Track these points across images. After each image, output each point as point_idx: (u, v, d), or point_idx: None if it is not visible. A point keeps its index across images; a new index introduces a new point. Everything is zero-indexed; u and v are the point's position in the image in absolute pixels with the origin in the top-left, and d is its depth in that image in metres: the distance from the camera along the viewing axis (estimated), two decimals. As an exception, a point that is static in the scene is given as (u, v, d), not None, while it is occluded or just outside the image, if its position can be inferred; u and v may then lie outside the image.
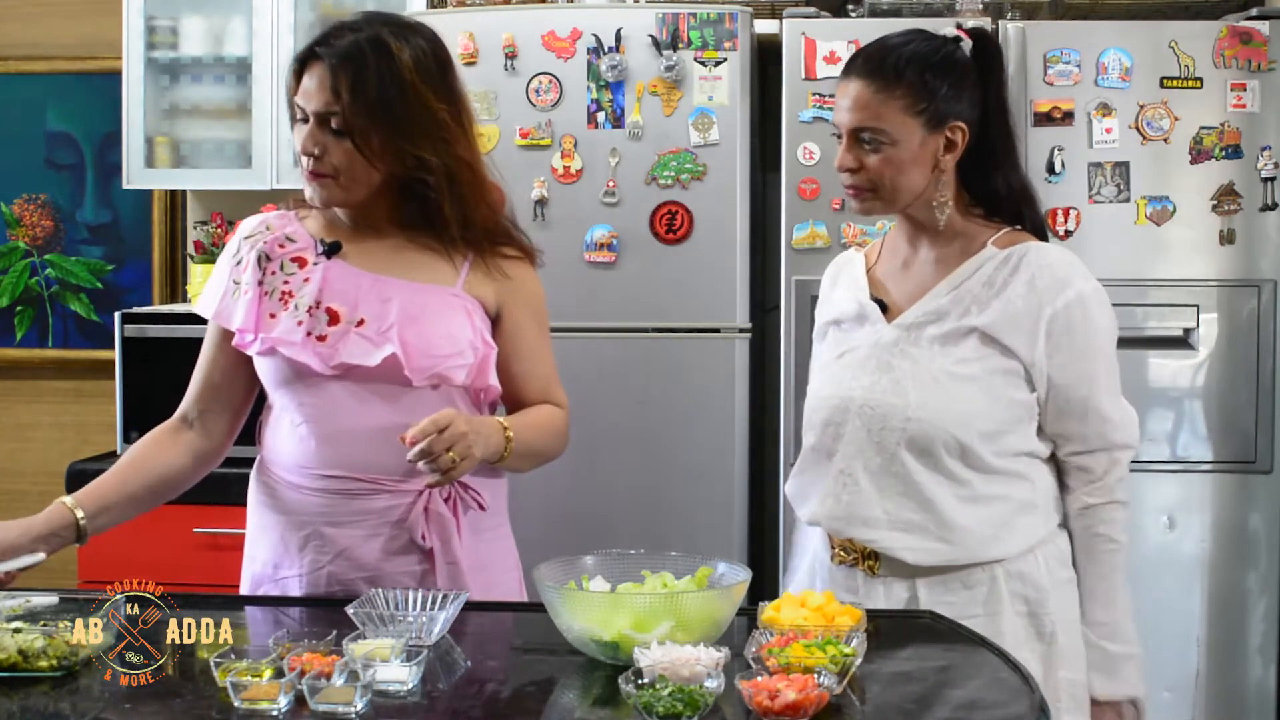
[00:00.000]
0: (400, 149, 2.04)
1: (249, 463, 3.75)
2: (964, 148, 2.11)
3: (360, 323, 2.06)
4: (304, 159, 2.06)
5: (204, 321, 3.63)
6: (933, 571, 2.10)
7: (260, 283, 2.10)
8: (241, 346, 2.11)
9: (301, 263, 2.11)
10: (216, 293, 2.14)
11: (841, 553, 2.15)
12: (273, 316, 2.08)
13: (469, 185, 2.10)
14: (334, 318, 2.07)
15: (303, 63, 2.06)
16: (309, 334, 2.06)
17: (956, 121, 2.09)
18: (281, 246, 2.13)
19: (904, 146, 2.07)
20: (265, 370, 2.12)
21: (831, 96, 2.31)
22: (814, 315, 2.32)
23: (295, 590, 2.10)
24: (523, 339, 2.17)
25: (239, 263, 2.13)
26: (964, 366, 2.08)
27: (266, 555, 2.15)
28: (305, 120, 2.05)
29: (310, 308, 2.07)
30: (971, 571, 2.09)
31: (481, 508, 2.13)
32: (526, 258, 2.18)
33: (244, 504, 3.58)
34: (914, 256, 2.19)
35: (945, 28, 2.18)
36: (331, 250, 2.11)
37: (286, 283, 2.10)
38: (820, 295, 2.31)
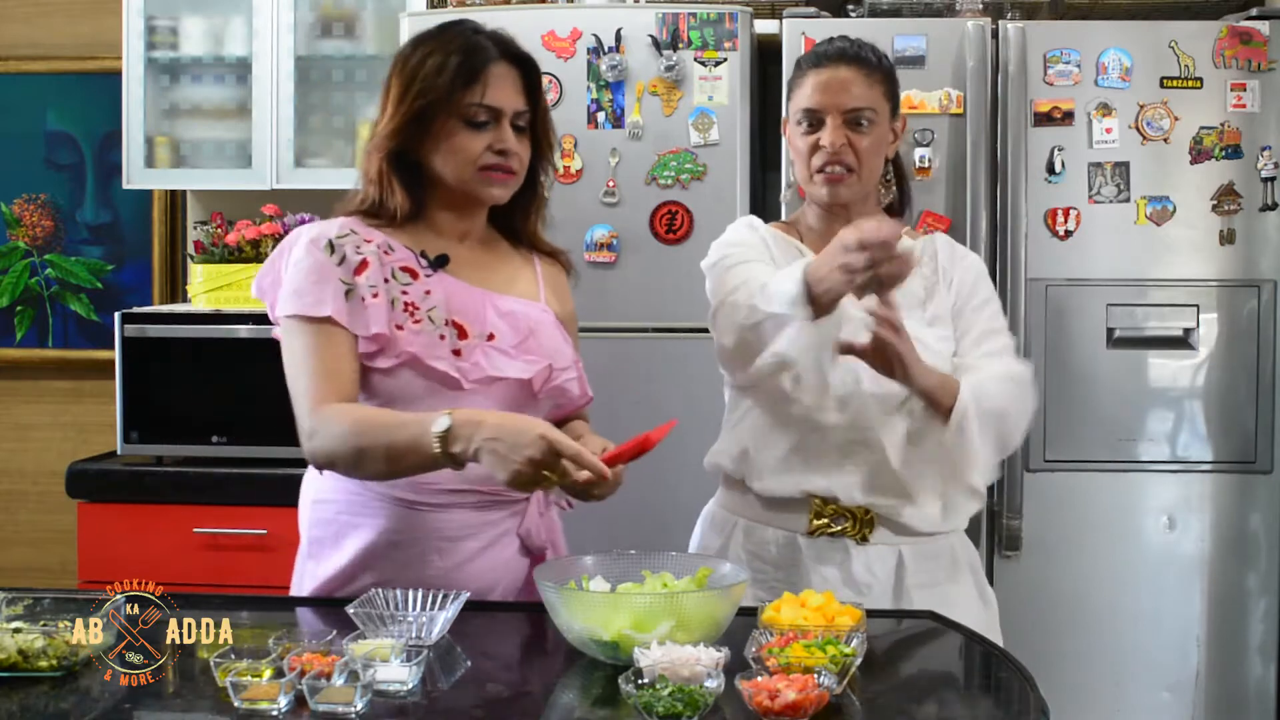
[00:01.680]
0: (547, 153, 2.16)
1: (247, 462, 3.75)
2: (898, 143, 2.31)
3: (490, 337, 2.07)
4: (490, 158, 2.05)
5: (203, 321, 3.65)
6: (917, 539, 2.23)
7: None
8: (369, 358, 2.02)
9: (413, 274, 2.06)
10: (319, 291, 2.00)
11: (828, 522, 2.19)
12: (400, 328, 2.02)
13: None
14: (461, 332, 2.05)
15: (484, 65, 2.05)
16: (448, 348, 2.03)
17: (901, 113, 2.31)
18: (387, 254, 2.06)
19: (880, 128, 2.24)
20: (391, 383, 2.03)
21: None
22: (726, 247, 2.32)
23: None
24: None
25: (340, 262, 2.02)
26: (945, 344, 2.25)
27: (370, 577, 2.03)
28: (486, 122, 2.05)
29: (446, 321, 2.05)
30: (937, 540, 2.26)
31: (570, 506, 2.18)
32: (568, 271, 2.28)
33: (244, 504, 3.59)
34: None
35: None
36: (440, 263, 2.09)
37: (405, 293, 2.04)
38: (743, 236, 2.33)
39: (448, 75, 2.04)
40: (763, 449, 2.26)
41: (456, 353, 2.04)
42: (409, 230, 2.11)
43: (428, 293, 2.06)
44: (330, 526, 2.11)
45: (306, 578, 2.15)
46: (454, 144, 2.05)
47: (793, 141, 2.28)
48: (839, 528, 2.21)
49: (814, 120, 2.23)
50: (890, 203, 2.37)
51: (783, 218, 3.34)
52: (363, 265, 2.03)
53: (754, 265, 2.22)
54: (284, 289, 2.05)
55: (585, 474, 1.84)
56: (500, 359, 2.06)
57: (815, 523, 2.22)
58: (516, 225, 2.22)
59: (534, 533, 2.11)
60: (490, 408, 2.00)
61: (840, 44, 2.27)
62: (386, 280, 2.04)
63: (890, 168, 2.33)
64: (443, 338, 2.03)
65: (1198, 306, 3.32)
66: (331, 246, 2.04)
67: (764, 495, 2.26)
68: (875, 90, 2.23)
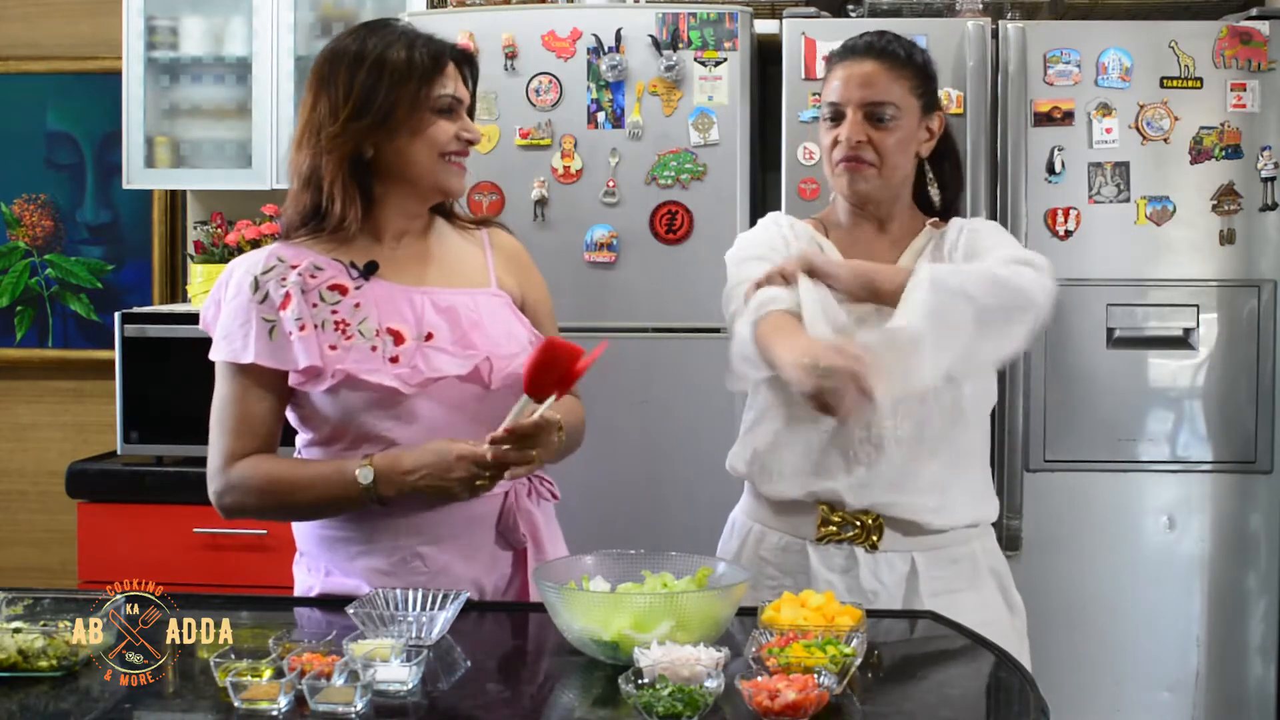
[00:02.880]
0: None
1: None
2: (935, 142, 2.26)
3: (429, 337, 2.05)
4: (456, 144, 2.08)
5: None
6: (930, 542, 2.20)
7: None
8: (303, 385, 2.03)
9: (342, 290, 2.06)
10: (245, 335, 2.04)
11: (835, 529, 2.18)
12: (333, 348, 2.02)
13: None
14: (398, 338, 2.04)
15: (445, 55, 2.09)
16: (383, 358, 2.02)
17: (938, 112, 2.26)
18: (313, 277, 2.05)
19: (905, 124, 2.20)
20: (335, 404, 2.03)
21: None
22: (748, 251, 2.29)
23: None
24: (541, 329, 2.19)
25: (264, 300, 2.04)
26: None
27: (354, 583, 2.06)
28: (451, 111, 2.08)
29: (376, 331, 2.03)
30: (957, 546, 2.22)
31: (555, 497, 2.17)
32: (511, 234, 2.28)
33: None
34: (872, 238, 2.28)
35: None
36: (369, 271, 2.08)
37: (335, 312, 2.04)
38: (762, 233, 2.29)
39: (419, 66, 2.05)
40: (771, 451, 2.25)
41: (394, 360, 2.02)
42: (343, 240, 2.09)
43: (357, 306, 2.05)
44: (310, 539, 2.13)
45: (300, 586, 2.16)
46: (426, 134, 2.05)
47: (820, 138, 2.26)
48: (847, 535, 2.20)
49: (836, 114, 2.21)
50: (940, 200, 2.32)
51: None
52: (285, 300, 2.03)
53: (758, 264, 2.21)
54: (217, 331, 2.08)
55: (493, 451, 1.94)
56: (439, 358, 2.04)
57: (822, 530, 2.21)
58: (445, 210, 2.22)
59: (510, 529, 2.10)
60: (440, 405, 2.03)
61: (868, 38, 2.24)
62: (315, 305, 2.04)
63: (930, 166, 2.28)
64: (374, 349, 2.02)
65: (1198, 306, 3.32)
66: (256, 284, 2.05)
67: (773, 499, 2.26)
68: (900, 85, 2.19)
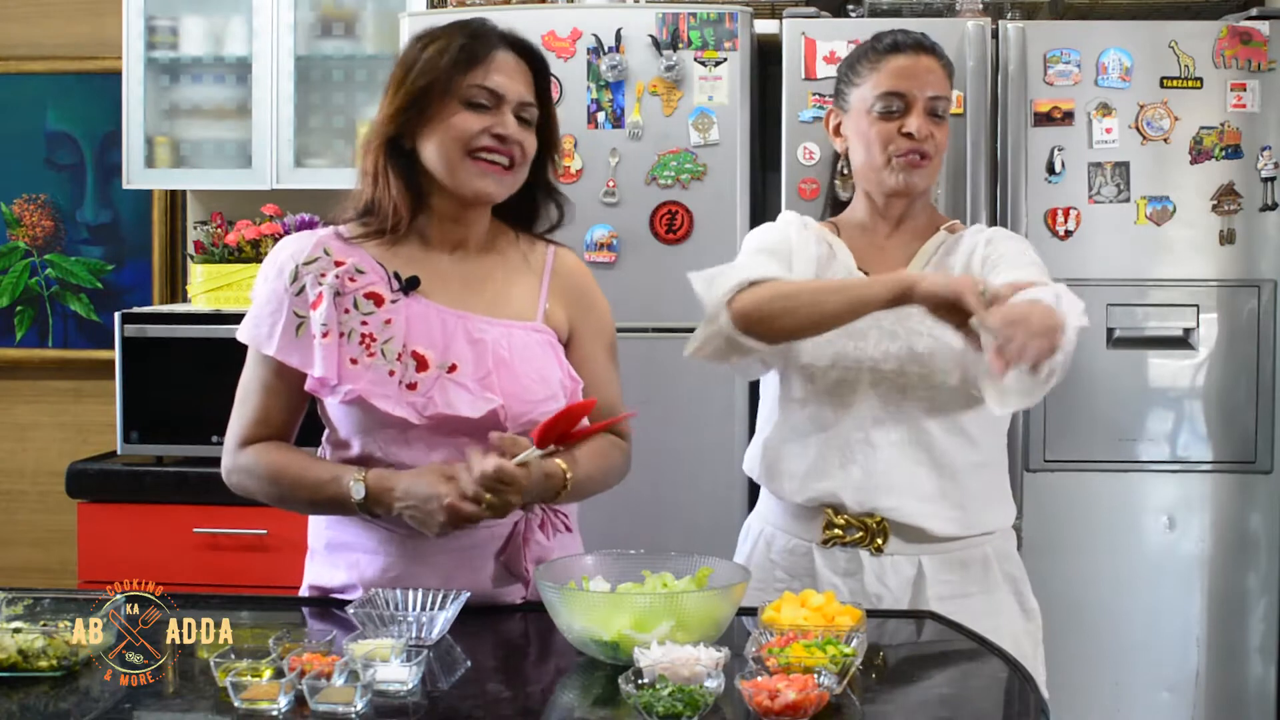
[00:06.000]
0: (552, 153, 2.09)
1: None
2: None
3: (452, 368, 1.97)
4: (485, 140, 1.97)
5: (203, 321, 3.65)
6: (938, 547, 2.18)
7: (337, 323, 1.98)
8: (317, 392, 1.98)
9: (378, 300, 1.98)
10: (273, 324, 1.99)
11: (840, 532, 2.18)
12: (354, 362, 1.95)
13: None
14: (421, 363, 1.96)
15: (488, 50, 1.99)
16: (400, 383, 1.95)
17: None
18: (352, 280, 1.99)
19: (948, 122, 2.25)
20: (346, 418, 1.99)
21: (830, 96, 2.34)
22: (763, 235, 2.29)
23: None
24: (594, 366, 2.11)
25: (300, 292, 1.98)
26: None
27: (357, 591, 2.00)
28: (486, 106, 1.97)
29: (399, 354, 1.96)
30: (968, 550, 2.20)
31: (568, 529, 2.10)
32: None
33: (244, 504, 3.58)
34: (884, 240, 2.28)
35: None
36: (410, 286, 2.00)
37: (365, 324, 1.97)
38: (775, 225, 2.30)
39: (449, 57, 1.96)
40: (774, 451, 2.25)
41: (412, 386, 1.95)
42: (395, 241, 2.03)
43: (388, 322, 1.98)
44: (321, 538, 2.11)
45: (308, 581, 2.15)
46: (449, 124, 1.96)
47: (862, 129, 2.21)
48: (852, 537, 2.19)
49: (897, 105, 2.18)
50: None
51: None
52: (318, 300, 1.97)
53: (769, 259, 2.18)
54: (250, 310, 2.04)
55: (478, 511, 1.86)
56: (456, 394, 1.96)
57: (827, 532, 2.20)
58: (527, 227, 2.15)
59: (513, 559, 2.02)
60: (450, 437, 1.95)
61: (915, 34, 2.26)
62: (347, 311, 1.98)
63: None
64: (392, 373, 1.95)
65: (1198, 306, 3.32)
66: (296, 274, 2.00)
67: (781, 500, 2.26)
68: (949, 81, 2.24)
